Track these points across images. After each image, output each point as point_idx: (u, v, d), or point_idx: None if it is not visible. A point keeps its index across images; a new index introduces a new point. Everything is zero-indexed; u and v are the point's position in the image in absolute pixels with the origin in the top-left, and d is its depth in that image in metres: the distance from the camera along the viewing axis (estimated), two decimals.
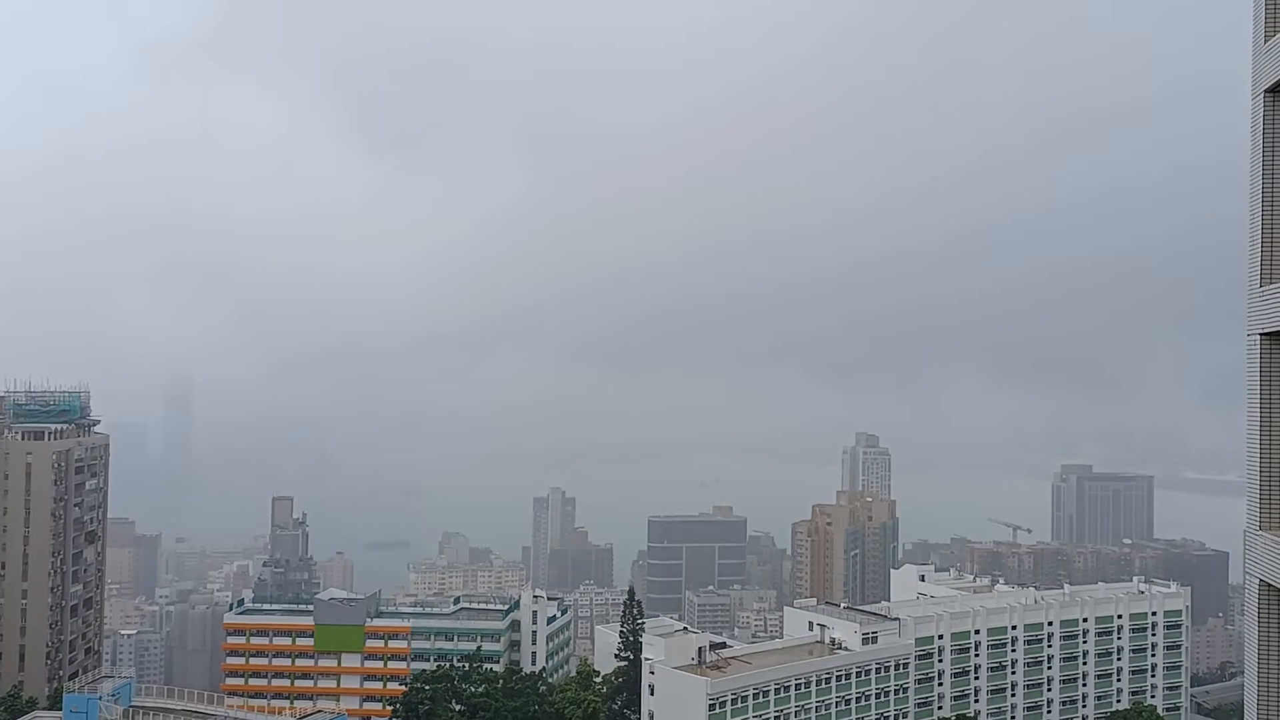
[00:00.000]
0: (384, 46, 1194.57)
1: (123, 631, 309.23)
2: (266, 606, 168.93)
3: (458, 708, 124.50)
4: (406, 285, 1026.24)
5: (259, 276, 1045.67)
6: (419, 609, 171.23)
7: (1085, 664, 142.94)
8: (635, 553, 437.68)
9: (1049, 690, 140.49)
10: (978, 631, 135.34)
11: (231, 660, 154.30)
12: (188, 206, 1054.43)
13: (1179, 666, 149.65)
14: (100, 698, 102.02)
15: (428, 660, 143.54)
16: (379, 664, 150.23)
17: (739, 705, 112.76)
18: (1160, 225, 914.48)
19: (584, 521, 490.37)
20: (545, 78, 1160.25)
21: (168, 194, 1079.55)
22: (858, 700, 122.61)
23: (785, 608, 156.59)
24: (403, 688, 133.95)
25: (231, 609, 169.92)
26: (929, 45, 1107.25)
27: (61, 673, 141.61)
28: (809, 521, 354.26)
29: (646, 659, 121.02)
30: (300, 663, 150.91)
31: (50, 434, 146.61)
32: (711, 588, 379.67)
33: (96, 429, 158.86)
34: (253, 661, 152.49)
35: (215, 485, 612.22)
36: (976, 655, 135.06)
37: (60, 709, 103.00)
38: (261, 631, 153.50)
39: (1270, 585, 17.60)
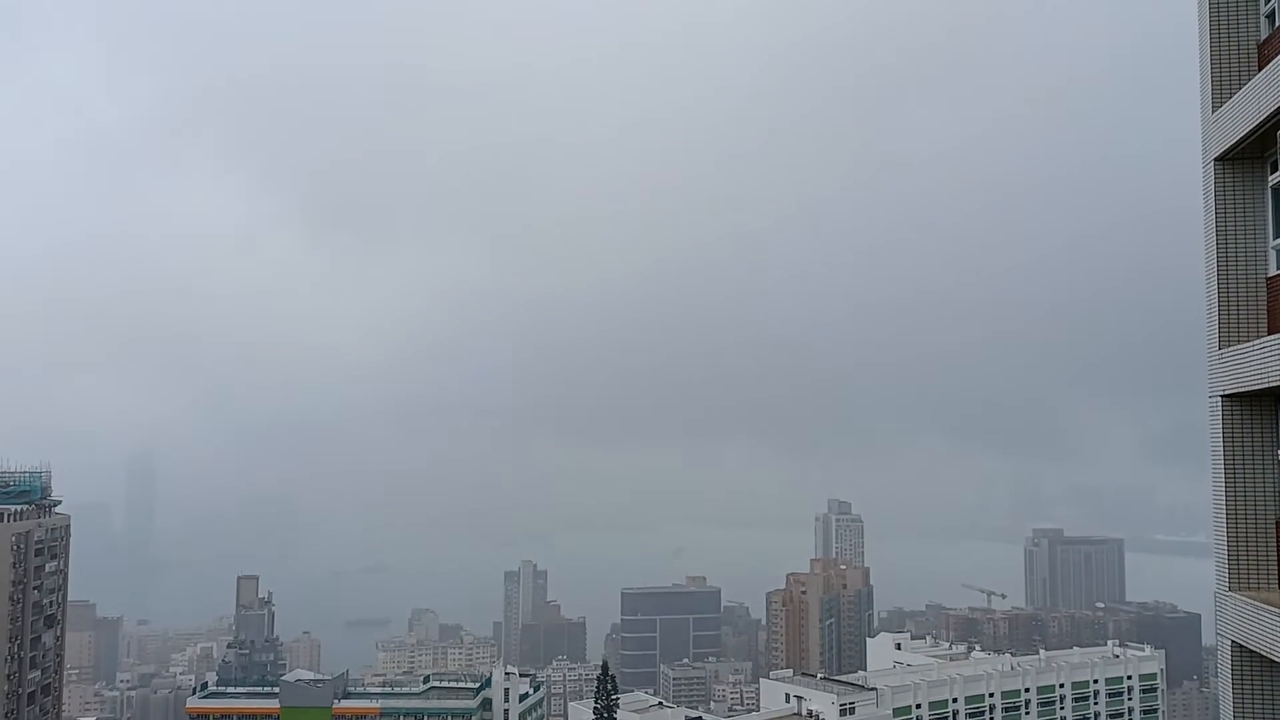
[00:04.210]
0: (326, 133, 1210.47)
1: (82, 719, 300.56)
2: (231, 689, 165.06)
3: None
4: (363, 359, 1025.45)
5: (217, 355, 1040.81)
6: (388, 689, 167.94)
7: None
8: (608, 626, 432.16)
9: None
10: (955, 700, 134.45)
11: None
12: (143, 288, 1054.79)
13: None
14: None
15: None
16: None
17: None
18: (1118, 289, 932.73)
19: (555, 594, 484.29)
20: (488, 163, 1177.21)
21: (122, 277, 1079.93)
22: None
23: (761, 679, 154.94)
24: None
25: (195, 693, 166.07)
26: (891, 97, 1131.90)
27: None
28: (783, 591, 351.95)
29: None
30: None
31: (10, 515, 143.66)
32: (686, 660, 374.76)
33: (57, 509, 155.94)
34: None
35: (178, 565, 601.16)
36: None
37: None
38: (225, 715, 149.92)
39: (1242, 647, 17.65)
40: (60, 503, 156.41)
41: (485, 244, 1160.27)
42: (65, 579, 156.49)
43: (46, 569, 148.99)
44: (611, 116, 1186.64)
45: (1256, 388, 17.39)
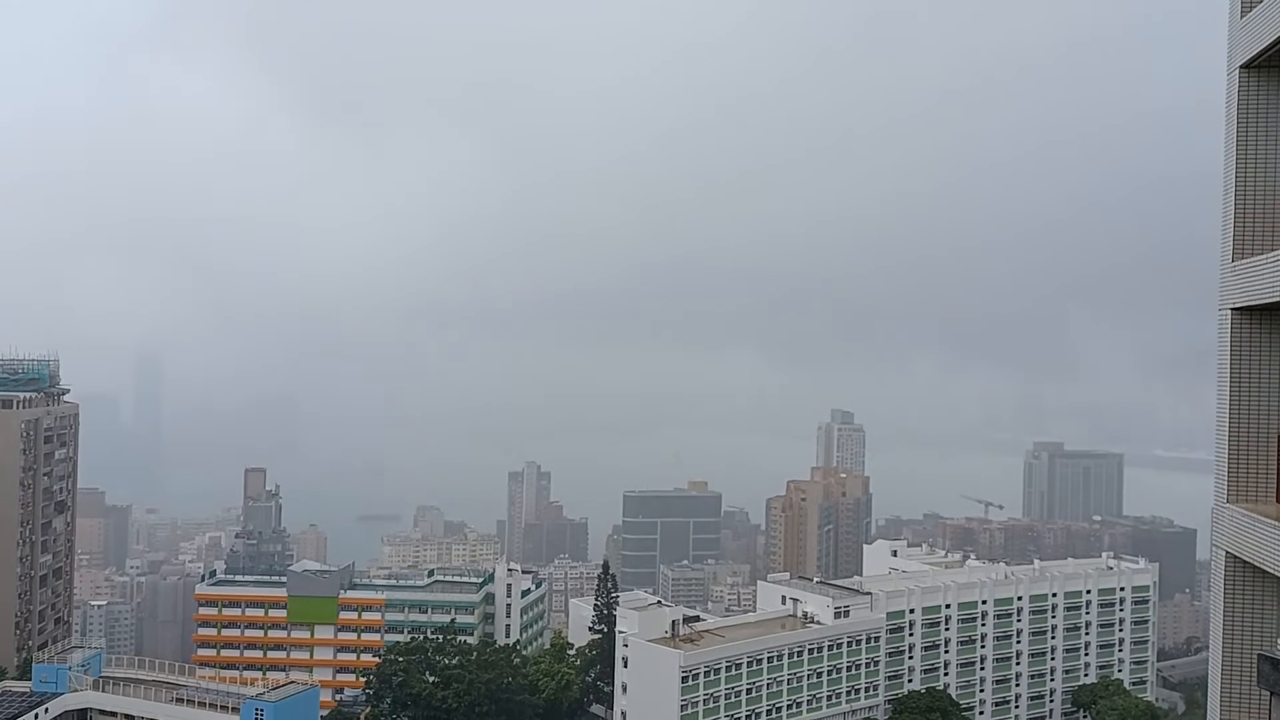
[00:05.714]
0: (322, 21, 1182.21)
1: (93, 602, 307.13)
2: (239, 578, 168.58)
3: (431, 679, 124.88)
4: (368, 253, 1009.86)
5: (222, 244, 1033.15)
6: (393, 581, 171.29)
7: (1054, 638, 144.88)
8: (610, 527, 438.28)
9: (1018, 664, 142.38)
10: (948, 606, 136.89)
11: (203, 631, 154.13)
12: (147, 176, 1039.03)
13: (1146, 641, 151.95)
14: (69, 668, 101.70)
15: (401, 632, 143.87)
16: (352, 636, 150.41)
17: (712, 677, 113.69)
18: (1124, 204, 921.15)
19: (559, 495, 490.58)
20: (485, 52, 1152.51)
21: (127, 164, 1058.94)
22: (829, 673, 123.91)
23: (759, 582, 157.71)
24: (376, 659, 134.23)
25: (203, 580, 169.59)
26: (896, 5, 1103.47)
27: (30, 643, 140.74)
28: (783, 497, 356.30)
29: (620, 632, 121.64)
30: (273, 634, 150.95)
31: (18, 402, 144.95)
32: (686, 562, 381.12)
33: (66, 398, 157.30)
34: (225, 633, 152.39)
35: (186, 456, 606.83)
36: (947, 629, 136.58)
37: (29, 679, 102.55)
38: (234, 603, 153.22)
39: (1236, 557, 17.76)
40: (69, 391, 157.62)
41: (482, 140, 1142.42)
42: (75, 466, 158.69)
43: (56, 456, 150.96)
44: (613, 14, 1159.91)
45: (1268, 300, 17.16)
